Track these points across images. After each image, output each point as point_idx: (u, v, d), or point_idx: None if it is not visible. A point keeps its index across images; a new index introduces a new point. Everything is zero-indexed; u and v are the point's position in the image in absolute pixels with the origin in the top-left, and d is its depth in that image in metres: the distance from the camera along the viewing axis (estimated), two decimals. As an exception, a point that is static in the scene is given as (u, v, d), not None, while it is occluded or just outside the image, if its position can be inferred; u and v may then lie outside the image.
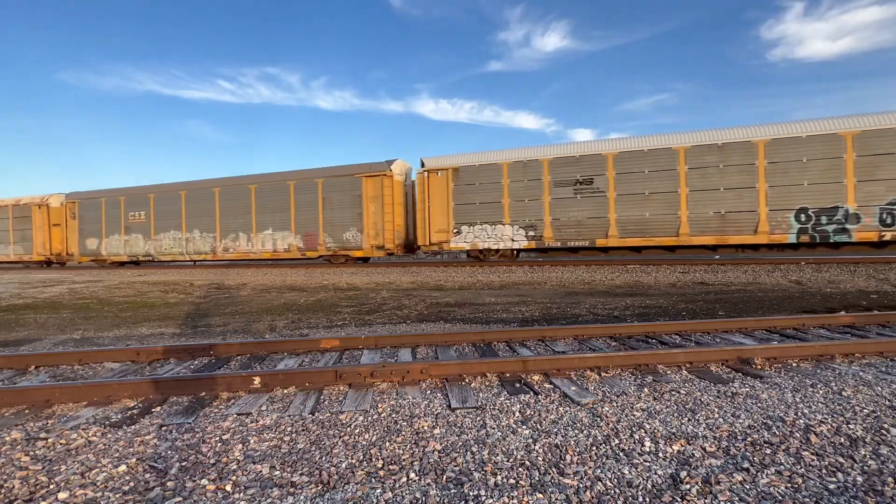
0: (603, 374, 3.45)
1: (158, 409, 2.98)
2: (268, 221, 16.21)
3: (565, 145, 13.26)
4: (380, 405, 2.91)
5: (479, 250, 14.03)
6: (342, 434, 2.50)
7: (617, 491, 1.86)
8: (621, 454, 2.18)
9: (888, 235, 10.59)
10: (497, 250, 13.92)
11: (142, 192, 18.37)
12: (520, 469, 2.06)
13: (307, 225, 15.62)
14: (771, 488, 1.85)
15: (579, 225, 12.88)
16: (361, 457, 2.22)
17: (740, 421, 2.52)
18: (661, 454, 2.17)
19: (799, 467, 2.01)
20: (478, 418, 2.66)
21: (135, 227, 18.32)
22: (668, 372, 3.47)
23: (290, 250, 15.86)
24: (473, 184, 13.82)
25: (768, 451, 2.16)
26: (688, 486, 1.88)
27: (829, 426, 2.41)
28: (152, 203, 18.04)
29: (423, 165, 14.46)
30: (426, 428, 2.54)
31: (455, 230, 14.01)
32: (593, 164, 12.72)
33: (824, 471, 1.97)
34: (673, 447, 2.23)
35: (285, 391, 3.23)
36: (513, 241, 13.45)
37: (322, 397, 3.12)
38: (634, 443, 2.29)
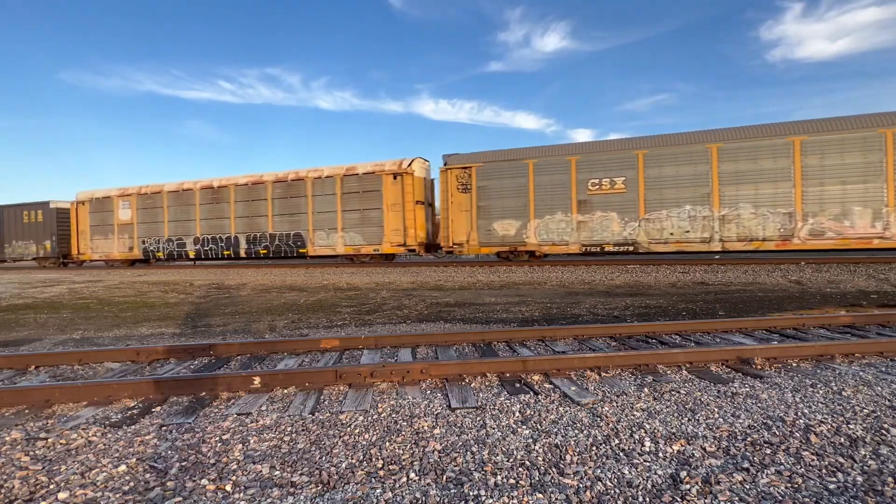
0: (603, 374, 3.45)
1: (158, 408, 2.98)
2: None
3: None
4: (380, 405, 2.91)
5: None
6: (342, 434, 2.50)
7: (617, 491, 1.86)
8: (621, 454, 2.18)
9: None
10: None
11: (620, 147, 12.16)
12: (520, 469, 2.06)
13: None
14: (771, 488, 1.85)
15: None
16: (361, 457, 2.22)
17: (740, 421, 2.52)
18: (661, 454, 2.17)
19: (799, 467, 2.01)
20: (478, 418, 2.66)
21: (599, 202, 12.15)
22: (668, 372, 3.47)
23: None
24: None
25: (768, 451, 2.16)
26: (688, 486, 1.88)
27: (829, 426, 2.41)
28: (641, 164, 11.77)
29: None
30: (426, 428, 2.54)
31: None
32: None
33: (824, 471, 1.97)
34: (673, 447, 2.23)
35: (285, 391, 3.23)
36: None
37: (322, 397, 3.12)
38: (634, 443, 2.29)
